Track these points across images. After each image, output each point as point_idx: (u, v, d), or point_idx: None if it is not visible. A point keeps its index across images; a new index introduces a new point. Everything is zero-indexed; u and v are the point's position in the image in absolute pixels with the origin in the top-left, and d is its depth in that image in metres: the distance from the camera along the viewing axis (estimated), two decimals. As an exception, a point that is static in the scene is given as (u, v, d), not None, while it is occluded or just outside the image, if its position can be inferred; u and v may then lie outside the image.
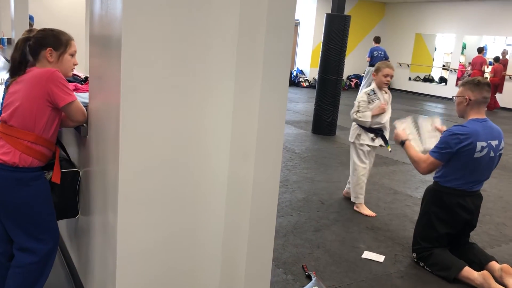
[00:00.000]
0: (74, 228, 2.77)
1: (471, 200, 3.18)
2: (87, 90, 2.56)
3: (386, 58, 11.90)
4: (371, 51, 12.32)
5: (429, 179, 5.50)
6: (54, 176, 2.27)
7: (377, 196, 4.78)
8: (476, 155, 3.05)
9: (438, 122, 3.57)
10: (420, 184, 5.33)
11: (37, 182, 2.20)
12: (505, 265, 3.07)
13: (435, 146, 3.16)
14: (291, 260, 3.21)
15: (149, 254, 1.90)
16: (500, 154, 3.19)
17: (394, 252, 3.47)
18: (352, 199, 4.33)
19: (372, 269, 3.18)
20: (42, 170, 2.24)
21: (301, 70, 16.36)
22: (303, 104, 11.63)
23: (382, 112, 4.16)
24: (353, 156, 4.32)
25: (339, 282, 2.97)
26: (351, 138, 4.33)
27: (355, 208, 4.29)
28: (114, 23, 1.74)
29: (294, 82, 15.86)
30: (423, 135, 3.49)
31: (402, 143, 3.39)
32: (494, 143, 3.11)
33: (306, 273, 3.01)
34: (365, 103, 4.15)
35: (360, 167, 4.26)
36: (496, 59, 13.26)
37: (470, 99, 3.12)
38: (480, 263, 3.15)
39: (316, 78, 8.34)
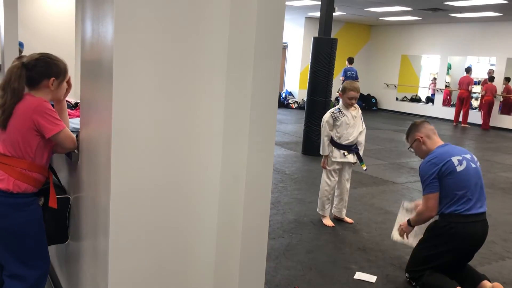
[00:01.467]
0: (64, 253, 2.75)
1: (479, 226, 3.13)
2: (78, 116, 2.57)
3: (356, 78, 12.56)
4: (345, 71, 13.04)
5: (419, 197, 5.55)
6: (50, 201, 2.28)
7: (368, 216, 4.80)
8: (458, 169, 3.11)
9: (410, 204, 3.56)
10: (410, 204, 5.36)
11: (30, 207, 2.20)
12: (496, 284, 3.09)
13: (423, 185, 3.20)
14: (284, 283, 3.19)
15: (141, 279, 1.89)
16: (479, 167, 3.27)
17: (386, 272, 3.48)
18: (318, 210, 4.51)
19: (365, 290, 3.18)
20: (35, 196, 2.24)
21: (290, 92, 16.51)
22: (292, 125, 11.71)
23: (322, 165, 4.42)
24: (323, 173, 4.49)
25: (331, 304, 2.97)
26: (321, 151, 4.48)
27: (322, 219, 4.48)
28: (106, 51, 1.77)
29: (283, 104, 15.99)
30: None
31: (409, 224, 3.34)
32: (467, 156, 3.21)
33: (299, 295, 3.00)
34: (329, 124, 4.34)
35: (325, 182, 4.43)
36: (491, 79, 13.53)
37: (421, 137, 3.31)
38: (472, 282, 3.16)
39: (305, 100, 8.43)
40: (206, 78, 1.86)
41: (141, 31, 1.70)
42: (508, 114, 14.05)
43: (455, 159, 3.12)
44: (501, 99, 13.91)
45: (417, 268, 3.26)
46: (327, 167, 4.41)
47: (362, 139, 4.41)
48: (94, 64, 1.98)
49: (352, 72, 12.97)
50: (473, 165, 3.18)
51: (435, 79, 16.70)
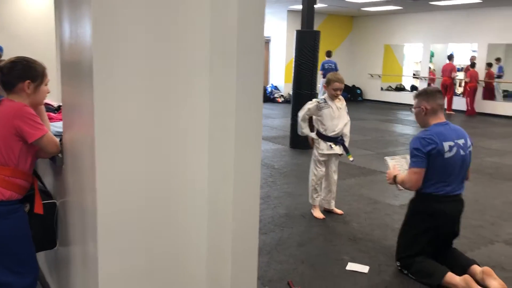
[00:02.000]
0: (53, 259, 2.71)
1: (453, 205, 3.22)
2: (61, 119, 2.53)
3: (336, 70, 12.62)
4: (323, 65, 13.13)
5: (407, 186, 5.59)
6: (36, 207, 2.24)
7: (357, 206, 4.83)
8: (447, 155, 3.13)
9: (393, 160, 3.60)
10: (399, 193, 5.38)
11: (16, 215, 2.17)
12: (486, 268, 3.12)
13: (411, 158, 3.22)
14: (277, 277, 3.19)
15: (133, 282, 1.87)
16: (470, 152, 3.26)
17: (378, 262, 3.49)
18: (310, 201, 4.55)
19: (357, 281, 3.19)
20: (20, 203, 2.20)
21: (276, 86, 16.50)
22: (279, 119, 11.71)
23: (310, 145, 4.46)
24: (311, 163, 4.53)
25: (325, 296, 2.97)
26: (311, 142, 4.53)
27: (313, 212, 4.51)
28: (84, 52, 1.74)
29: (269, 98, 15.97)
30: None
31: (394, 179, 3.37)
32: (461, 142, 3.20)
33: (292, 289, 3.00)
34: (310, 111, 4.39)
35: (313, 173, 4.48)
36: (472, 65, 13.65)
37: (426, 108, 3.25)
38: (462, 267, 3.19)
39: (291, 93, 8.43)
40: (189, 76, 1.84)
41: (120, 31, 1.67)
42: (491, 99, 14.23)
43: (446, 145, 3.13)
44: (483, 85, 14.07)
45: (405, 253, 3.30)
46: (315, 152, 4.42)
47: (347, 130, 4.43)
48: (74, 66, 1.95)
49: (331, 64, 13.13)
50: (462, 152, 3.19)
51: (429, 68, 16.76)
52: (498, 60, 14.70)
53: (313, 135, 4.44)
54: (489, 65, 14.02)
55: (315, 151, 4.45)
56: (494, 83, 14.28)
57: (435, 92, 3.31)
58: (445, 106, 14.10)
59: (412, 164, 3.19)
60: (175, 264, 1.95)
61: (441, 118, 3.27)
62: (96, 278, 1.79)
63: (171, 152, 1.86)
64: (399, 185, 3.36)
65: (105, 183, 1.73)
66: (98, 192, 1.72)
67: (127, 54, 1.70)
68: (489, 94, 14.32)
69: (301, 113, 4.44)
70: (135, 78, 1.73)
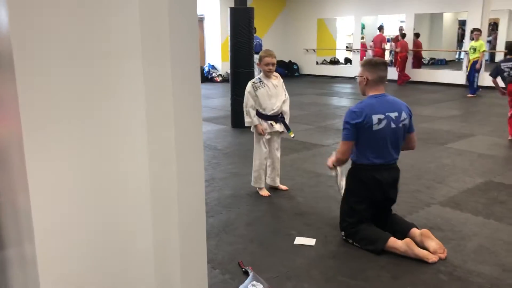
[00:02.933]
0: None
1: (387, 173, 3.35)
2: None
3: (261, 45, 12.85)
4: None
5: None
6: None
7: (301, 181, 4.91)
8: (375, 127, 3.23)
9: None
10: (339, 164, 5.55)
11: None
12: (424, 230, 3.30)
13: (343, 128, 3.34)
14: (227, 259, 3.20)
15: (77, 283, 1.79)
16: (405, 125, 3.35)
17: (324, 234, 3.59)
18: (253, 184, 4.52)
19: (306, 254, 3.27)
20: None
21: (213, 65, 16.32)
22: (219, 99, 11.62)
23: (260, 134, 4.37)
24: (254, 145, 4.51)
25: (276, 272, 3.02)
26: (252, 129, 4.48)
27: (258, 191, 4.52)
28: (2, 41, 1.60)
29: (207, 78, 15.79)
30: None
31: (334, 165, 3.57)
32: (393, 115, 3.28)
33: (243, 269, 3.02)
34: (251, 94, 4.33)
35: (258, 155, 4.47)
36: (403, 35, 14.12)
37: (368, 79, 3.32)
38: (402, 232, 3.35)
39: (229, 72, 8.35)
40: (121, 61, 1.74)
41: (41, 18, 1.54)
42: (419, 67, 14.90)
43: (375, 117, 3.22)
44: (412, 54, 14.68)
45: (346, 221, 3.42)
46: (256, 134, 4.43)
47: (286, 108, 4.45)
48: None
49: (258, 40, 13.17)
50: (393, 125, 3.27)
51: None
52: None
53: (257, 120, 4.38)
54: (417, 35, 14.62)
55: (256, 132, 4.45)
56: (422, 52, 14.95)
57: (379, 64, 3.38)
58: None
59: (342, 136, 3.34)
60: (121, 261, 1.88)
61: (379, 90, 3.34)
62: (37, 283, 1.70)
63: (108, 143, 1.77)
64: (337, 170, 3.58)
65: (38, 180, 1.62)
66: (30, 190, 1.61)
67: (50, 40, 1.58)
68: (417, 62, 14.98)
69: (248, 104, 4.34)
70: (62, 67, 1.62)
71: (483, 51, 11.43)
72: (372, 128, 3.23)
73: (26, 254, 1.80)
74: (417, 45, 14.94)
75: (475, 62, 11.25)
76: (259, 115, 4.38)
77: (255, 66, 12.57)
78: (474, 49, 11.27)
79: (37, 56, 1.56)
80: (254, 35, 13.24)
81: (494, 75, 6.85)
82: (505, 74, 6.65)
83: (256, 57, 12.93)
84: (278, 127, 4.42)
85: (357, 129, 3.25)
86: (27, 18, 1.52)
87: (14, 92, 1.55)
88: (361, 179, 3.37)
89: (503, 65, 6.72)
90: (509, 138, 6.74)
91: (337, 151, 3.46)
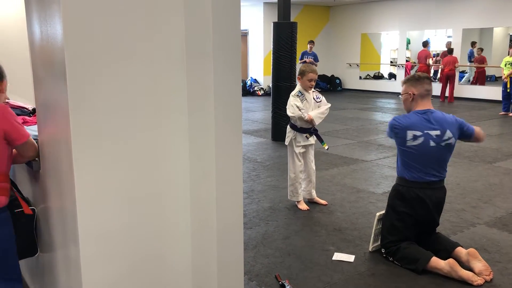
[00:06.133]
0: (35, 267, 2.66)
1: (430, 192, 3.24)
2: (36, 123, 2.47)
3: (316, 60, 13.00)
4: (302, 56, 13.29)
5: (390, 174, 5.65)
6: (25, 208, 2.21)
7: (341, 196, 4.85)
8: (409, 143, 3.18)
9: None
10: (381, 180, 5.45)
11: (7, 221, 2.14)
12: (471, 249, 3.17)
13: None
14: (264, 271, 3.19)
15: (115, 284, 1.84)
16: (449, 145, 3.21)
17: (363, 251, 3.52)
18: (290, 197, 4.51)
19: (344, 270, 3.21)
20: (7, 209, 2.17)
21: (255, 79, 16.47)
22: (260, 112, 11.69)
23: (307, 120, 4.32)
24: (289, 158, 4.50)
25: (312, 287, 2.98)
26: (286, 142, 4.50)
27: (297, 204, 4.49)
28: (56, 52, 1.69)
29: (249, 92, 15.94)
30: None
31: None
32: (433, 133, 3.18)
33: (280, 282, 3.00)
34: (299, 106, 4.31)
35: (293, 168, 4.45)
36: (450, 51, 13.66)
37: (414, 94, 3.26)
38: (446, 251, 3.24)
39: (271, 86, 8.41)
40: (166, 74, 1.80)
41: (93, 30, 1.62)
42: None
43: (410, 133, 3.19)
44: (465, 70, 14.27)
45: (387, 238, 3.33)
46: (293, 146, 4.40)
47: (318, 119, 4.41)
48: (46, 67, 1.89)
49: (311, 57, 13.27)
50: (432, 143, 3.17)
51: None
52: (473, 44, 14.94)
53: (306, 116, 4.32)
54: (481, 50, 14.23)
55: (292, 145, 4.43)
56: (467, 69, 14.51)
57: (423, 78, 3.32)
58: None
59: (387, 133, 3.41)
60: (160, 265, 1.92)
61: (425, 105, 3.27)
62: (79, 284, 1.76)
63: (152, 152, 1.82)
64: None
65: (84, 186, 1.69)
66: (77, 195, 1.68)
67: (101, 53, 1.66)
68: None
69: (291, 111, 4.31)
70: (110, 77, 1.69)
71: None
72: (406, 143, 3.19)
73: (70, 256, 1.88)
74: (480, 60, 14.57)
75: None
76: (294, 128, 4.39)
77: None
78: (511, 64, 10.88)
79: (89, 67, 1.64)
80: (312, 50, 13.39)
81: None
82: None
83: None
84: (312, 139, 4.44)
85: (395, 135, 3.28)
86: (80, 33, 1.60)
87: (65, 100, 1.63)
88: (403, 195, 3.29)
89: None
90: None
91: None
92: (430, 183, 3.24)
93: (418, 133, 3.18)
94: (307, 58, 12.96)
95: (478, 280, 2.97)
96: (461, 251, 3.20)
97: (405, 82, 3.37)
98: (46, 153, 2.09)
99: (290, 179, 4.49)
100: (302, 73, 4.36)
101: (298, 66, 10.93)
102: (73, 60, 1.60)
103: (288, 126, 4.48)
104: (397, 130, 3.26)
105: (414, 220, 3.28)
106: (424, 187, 3.23)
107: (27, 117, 2.93)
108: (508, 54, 11.18)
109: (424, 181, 3.23)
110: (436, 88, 14.30)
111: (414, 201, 3.24)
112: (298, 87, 4.41)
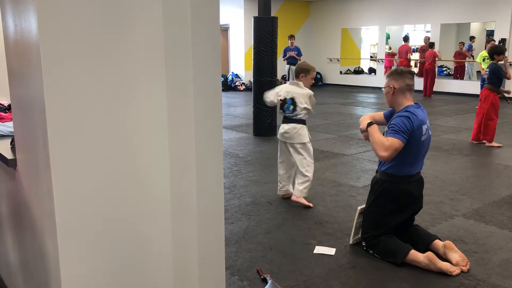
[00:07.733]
0: (13, 265, 2.61)
1: (415, 184, 3.28)
2: (11, 119, 2.42)
3: (299, 54, 13.02)
4: (285, 52, 13.26)
5: (370, 168, 5.71)
6: None
7: (322, 190, 4.89)
8: (423, 138, 3.20)
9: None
10: (361, 174, 5.51)
11: None
12: (447, 242, 3.23)
13: (396, 130, 3.11)
14: (246, 266, 3.20)
15: (98, 282, 1.82)
16: (430, 135, 3.34)
17: (344, 244, 3.56)
18: (305, 194, 4.37)
19: (325, 263, 3.24)
20: None
21: (236, 74, 16.43)
22: (242, 107, 11.68)
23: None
24: (306, 156, 4.35)
25: (294, 281, 3.00)
26: (305, 139, 4.34)
27: (302, 202, 4.38)
28: (31, 48, 1.65)
29: (230, 87, 15.90)
30: None
31: (369, 125, 3.28)
32: (428, 123, 3.30)
33: (262, 276, 3.01)
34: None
35: (313, 164, 4.41)
36: (431, 45, 13.73)
37: (394, 88, 3.27)
38: (424, 243, 3.29)
39: (252, 81, 8.40)
40: (144, 69, 1.78)
41: (69, 25, 1.59)
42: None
43: (424, 128, 3.19)
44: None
45: (370, 233, 3.35)
46: (308, 138, 4.35)
47: None
48: (21, 62, 1.86)
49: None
50: (430, 133, 3.29)
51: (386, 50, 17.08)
52: (472, 38, 15.14)
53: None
54: (463, 44, 14.43)
55: (307, 137, 4.34)
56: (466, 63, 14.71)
57: (406, 73, 3.30)
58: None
59: (395, 135, 3.10)
60: (141, 262, 1.91)
61: (409, 100, 3.28)
62: (59, 280, 1.74)
63: (130, 148, 1.80)
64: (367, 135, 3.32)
65: (61, 182, 1.67)
66: (54, 191, 1.66)
67: (77, 48, 1.63)
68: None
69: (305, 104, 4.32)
70: (86, 72, 1.66)
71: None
72: (421, 139, 3.17)
73: (48, 253, 1.85)
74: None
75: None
76: (304, 122, 4.44)
77: (289, 74, 12.77)
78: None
79: (65, 61, 1.61)
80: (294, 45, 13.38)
81: None
82: None
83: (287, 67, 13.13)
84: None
85: (411, 133, 3.11)
86: (56, 27, 1.57)
87: (41, 96, 1.60)
88: (389, 191, 3.27)
89: None
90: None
91: (382, 141, 3.13)
92: (415, 174, 3.30)
93: (426, 126, 3.23)
94: (291, 53, 12.95)
95: (456, 270, 3.04)
96: (438, 243, 3.26)
97: (388, 75, 3.38)
98: (22, 149, 2.05)
99: (310, 175, 4.34)
100: (307, 71, 4.30)
101: (281, 63, 10.96)
102: (49, 55, 1.57)
103: (300, 125, 4.33)
104: (415, 127, 3.11)
105: (401, 215, 3.30)
106: (411, 180, 3.27)
107: (2, 113, 2.88)
108: (485, 49, 11.36)
109: (411, 174, 3.26)
110: (418, 82, 14.49)
111: (404, 197, 3.26)
112: (302, 85, 4.33)
